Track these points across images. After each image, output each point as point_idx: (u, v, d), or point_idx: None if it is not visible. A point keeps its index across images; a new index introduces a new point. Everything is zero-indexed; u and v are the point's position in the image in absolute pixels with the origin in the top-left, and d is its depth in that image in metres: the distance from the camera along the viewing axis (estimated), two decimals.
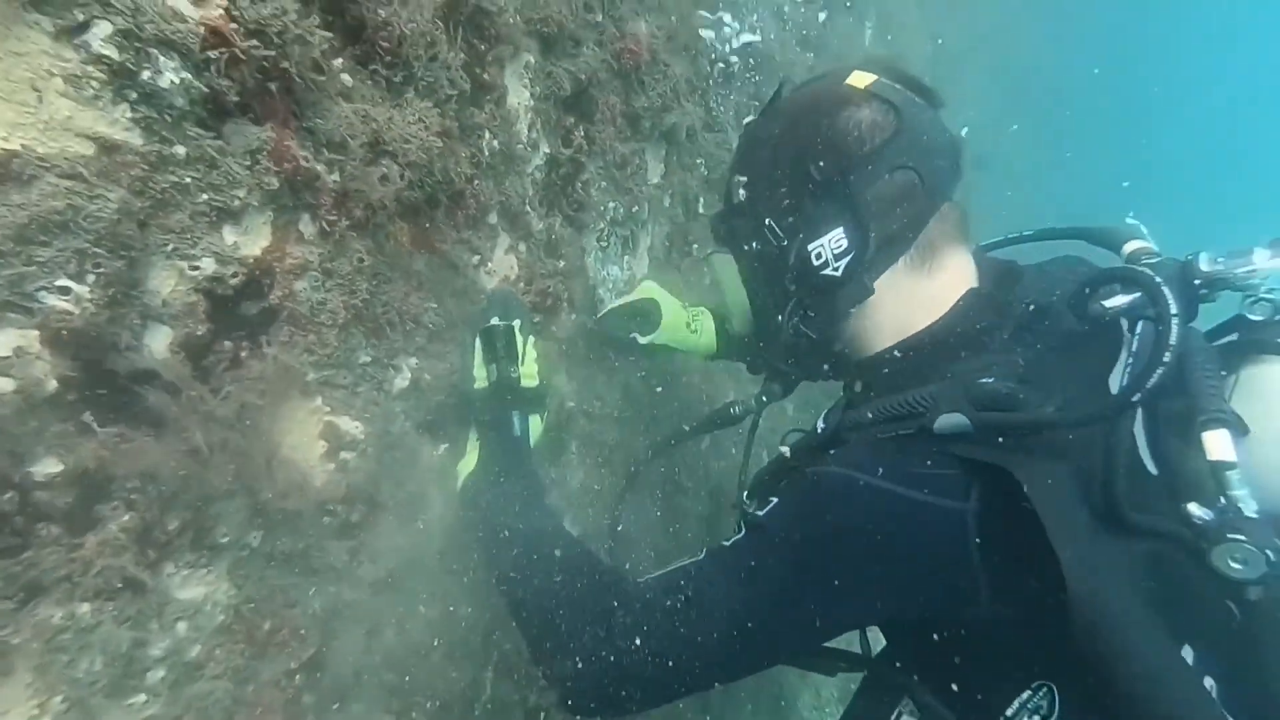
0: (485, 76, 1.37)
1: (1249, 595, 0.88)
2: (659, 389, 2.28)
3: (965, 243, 1.16)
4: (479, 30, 1.34)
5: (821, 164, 1.07)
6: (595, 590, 1.08)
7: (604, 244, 1.99)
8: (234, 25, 0.86)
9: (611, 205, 1.96)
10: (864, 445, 1.02)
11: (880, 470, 0.95)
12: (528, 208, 1.59)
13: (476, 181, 1.38)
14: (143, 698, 0.89)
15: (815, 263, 1.10)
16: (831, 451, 1.05)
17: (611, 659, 1.00)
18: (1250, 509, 0.86)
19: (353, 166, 1.09)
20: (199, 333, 0.91)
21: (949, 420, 0.93)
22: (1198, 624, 0.93)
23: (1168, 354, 0.89)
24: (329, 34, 1.00)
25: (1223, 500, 0.88)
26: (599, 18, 1.70)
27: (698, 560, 1.06)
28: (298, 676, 1.14)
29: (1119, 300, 1.04)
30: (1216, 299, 1.04)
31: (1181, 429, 0.97)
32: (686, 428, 1.87)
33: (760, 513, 1.02)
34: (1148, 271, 0.98)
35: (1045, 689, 0.97)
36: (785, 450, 1.20)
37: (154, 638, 0.91)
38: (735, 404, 1.86)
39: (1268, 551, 0.82)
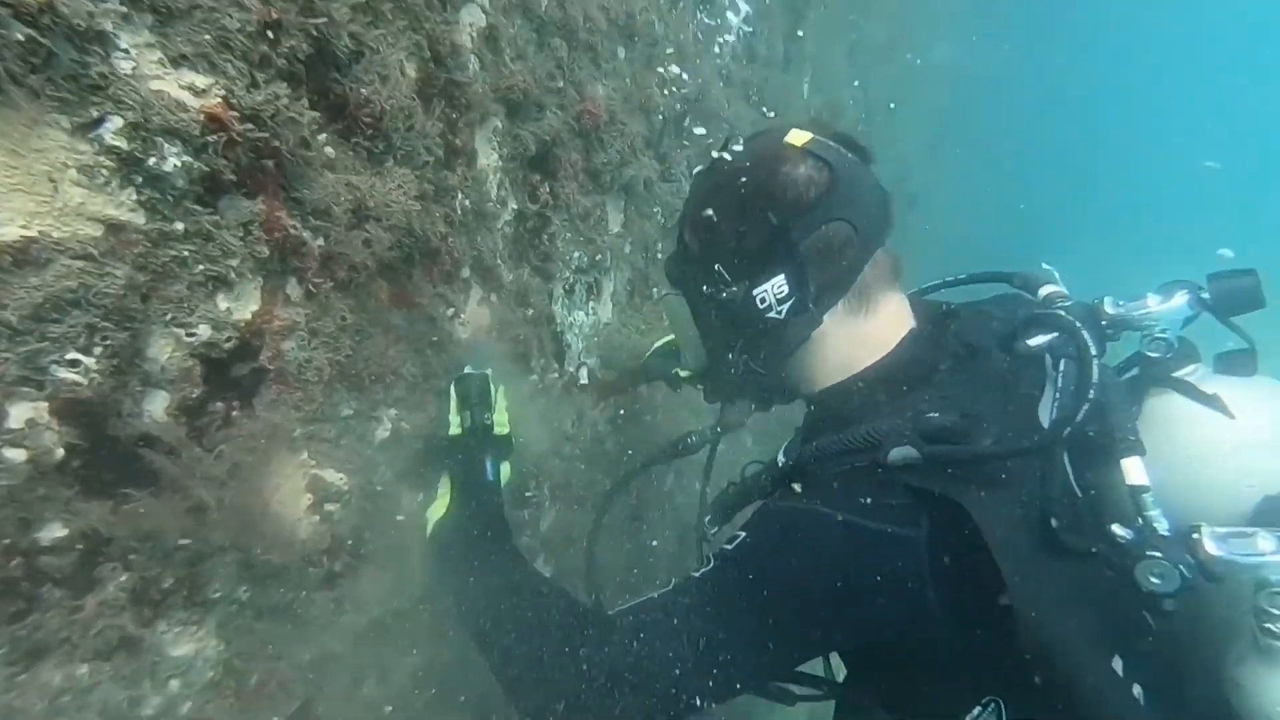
0: (457, 142, 1.45)
1: (1165, 607, 0.97)
2: (623, 422, 2.35)
3: (899, 286, 1.25)
4: (451, 100, 1.42)
5: (763, 215, 1.15)
6: (569, 629, 1.10)
7: (570, 291, 2.07)
8: (232, 112, 0.92)
9: (576, 255, 2.05)
10: (823, 479, 1.08)
11: (839, 503, 1.01)
12: (498, 260, 1.67)
13: (450, 239, 1.44)
14: None
15: (760, 306, 1.18)
16: (794, 485, 1.11)
17: (590, 695, 1.02)
18: (1163, 528, 0.96)
19: (337, 232, 1.15)
20: (194, 395, 0.95)
21: (900, 453, 1.01)
22: (1125, 635, 1.02)
23: (1092, 391, 1.01)
24: (315, 113, 1.06)
25: (1140, 520, 0.97)
26: (560, 84, 1.80)
27: (667, 592, 1.10)
28: None
29: (1041, 339, 1.16)
30: (1120, 338, 1.17)
31: (1099, 455, 1.06)
32: (641, 462, 1.93)
33: (729, 546, 1.08)
34: (1069, 317, 1.10)
35: (993, 704, 1.04)
36: (747, 479, 1.27)
37: (147, 696, 0.93)
38: (692, 434, 1.94)
39: (1181, 567, 0.92)
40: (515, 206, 1.73)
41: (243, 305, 1.03)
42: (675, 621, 1.04)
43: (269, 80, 0.98)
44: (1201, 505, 1.00)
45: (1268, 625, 0.93)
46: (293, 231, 1.07)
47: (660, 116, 2.51)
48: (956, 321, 1.25)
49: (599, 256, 2.17)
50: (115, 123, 0.80)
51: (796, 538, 1.03)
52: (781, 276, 1.16)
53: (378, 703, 1.33)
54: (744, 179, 1.19)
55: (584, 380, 2.19)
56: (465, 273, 1.57)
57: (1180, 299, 1.16)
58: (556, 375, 2.02)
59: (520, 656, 1.10)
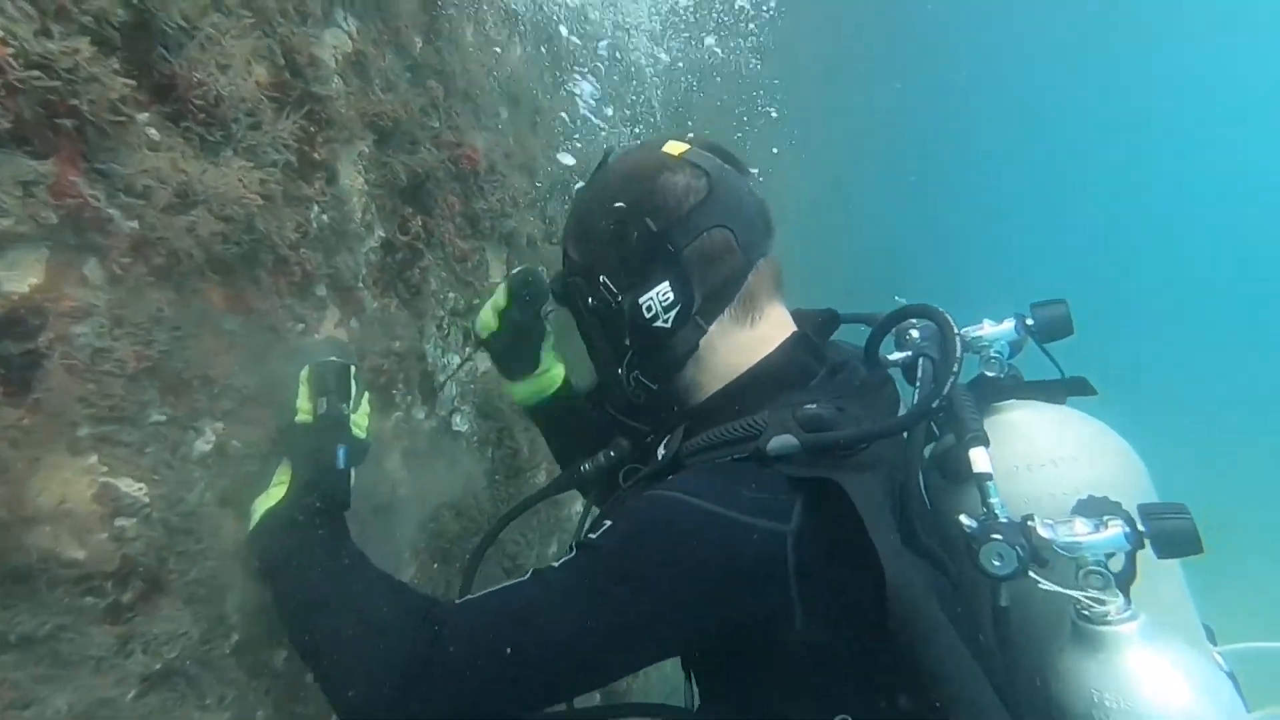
0: (315, 155, 1.36)
1: (1001, 600, 0.97)
2: (501, 478, 2.19)
3: (781, 294, 1.21)
4: (310, 114, 1.34)
5: (644, 224, 1.10)
6: (412, 614, 0.99)
7: (445, 332, 1.96)
8: (8, 49, 0.80)
9: (452, 296, 1.95)
10: (699, 470, 1.02)
11: (709, 493, 0.95)
12: (360, 284, 1.55)
13: (303, 250, 1.32)
14: None
15: (646, 315, 1.11)
16: (670, 476, 1.03)
17: (432, 684, 0.92)
18: (1004, 515, 0.97)
19: (154, 214, 1.01)
20: None
21: (780, 441, 0.97)
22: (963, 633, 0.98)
23: (956, 365, 1.01)
24: (130, 81, 0.95)
25: (984, 510, 0.98)
26: (435, 123, 1.76)
27: (523, 581, 0.99)
28: None
29: (898, 355, 1.20)
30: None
31: (947, 464, 1.11)
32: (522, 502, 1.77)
33: (594, 535, 0.98)
34: (939, 309, 1.12)
35: None
36: (626, 483, 1.18)
37: None
38: (585, 463, 1.78)
39: (1017, 548, 0.91)
40: (383, 234, 1.64)
41: (18, 275, 0.87)
42: (532, 609, 0.94)
43: (68, 35, 0.87)
44: (1028, 506, 1.02)
45: (1082, 609, 0.95)
46: (93, 203, 0.93)
47: (543, 181, 2.53)
48: (832, 332, 1.26)
49: (477, 301, 2.07)
50: None
51: (659, 526, 0.95)
52: (666, 284, 1.10)
53: None
54: (625, 188, 1.15)
55: (458, 427, 2.04)
56: (320, 290, 1.44)
57: (1008, 324, 1.25)
58: (424, 417, 1.87)
59: (353, 647, 0.96)
